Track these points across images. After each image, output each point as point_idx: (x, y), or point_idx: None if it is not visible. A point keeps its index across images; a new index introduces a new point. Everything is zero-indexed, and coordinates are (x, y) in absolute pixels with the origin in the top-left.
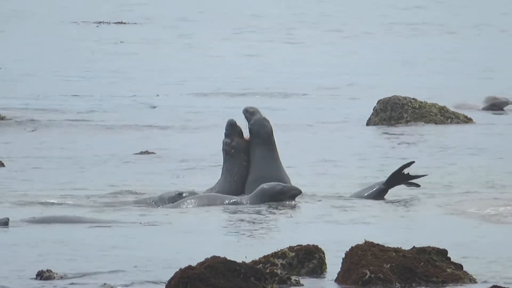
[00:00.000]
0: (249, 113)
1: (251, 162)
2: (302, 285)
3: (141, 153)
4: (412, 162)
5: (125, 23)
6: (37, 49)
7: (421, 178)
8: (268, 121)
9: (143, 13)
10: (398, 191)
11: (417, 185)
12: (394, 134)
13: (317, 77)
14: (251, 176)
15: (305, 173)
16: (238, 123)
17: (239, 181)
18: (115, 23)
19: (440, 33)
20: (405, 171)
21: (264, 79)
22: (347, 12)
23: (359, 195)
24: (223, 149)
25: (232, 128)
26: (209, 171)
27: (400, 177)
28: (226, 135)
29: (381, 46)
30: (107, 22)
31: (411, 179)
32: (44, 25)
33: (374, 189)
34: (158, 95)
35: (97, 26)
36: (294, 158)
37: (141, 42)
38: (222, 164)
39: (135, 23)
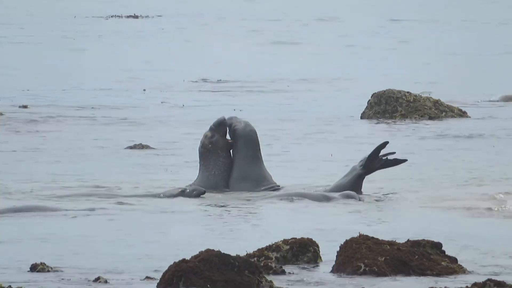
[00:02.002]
0: (232, 119)
1: (235, 162)
2: (297, 276)
3: (134, 146)
4: (386, 143)
5: (137, 16)
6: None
7: (412, 172)
8: (251, 124)
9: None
10: (387, 184)
11: (403, 160)
12: (388, 127)
13: (307, 71)
14: (235, 175)
15: (300, 166)
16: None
17: (218, 175)
18: (127, 16)
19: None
20: (385, 156)
21: (252, 74)
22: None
23: (339, 184)
24: (201, 142)
25: (219, 126)
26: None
27: (377, 160)
28: (210, 129)
29: (373, 42)
30: (119, 16)
31: (389, 165)
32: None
33: (352, 175)
34: (144, 90)
35: (107, 19)
36: (289, 151)
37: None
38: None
39: (147, 16)
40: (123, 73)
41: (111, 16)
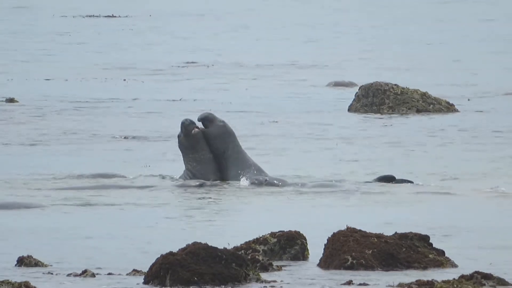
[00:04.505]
0: (209, 121)
1: (226, 161)
2: (284, 271)
3: (121, 137)
4: (392, 178)
5: (115, 16)
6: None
7: (401, 165)
8: (225, 123)
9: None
10: (375, 176)
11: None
12: (376, 120)
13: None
14: (232, 173)
15: (294, 160)
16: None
17: (200, 171)
18: (105, 16)
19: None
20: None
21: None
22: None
23: None
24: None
25: (183, 127)
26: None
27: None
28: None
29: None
30: (97, 16)
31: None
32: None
33: None
34: (124, 80)
35: (84, 18)
36: (284, 144)
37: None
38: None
39: (126, 16)
40: (111, 64)
41: (90, 16)
